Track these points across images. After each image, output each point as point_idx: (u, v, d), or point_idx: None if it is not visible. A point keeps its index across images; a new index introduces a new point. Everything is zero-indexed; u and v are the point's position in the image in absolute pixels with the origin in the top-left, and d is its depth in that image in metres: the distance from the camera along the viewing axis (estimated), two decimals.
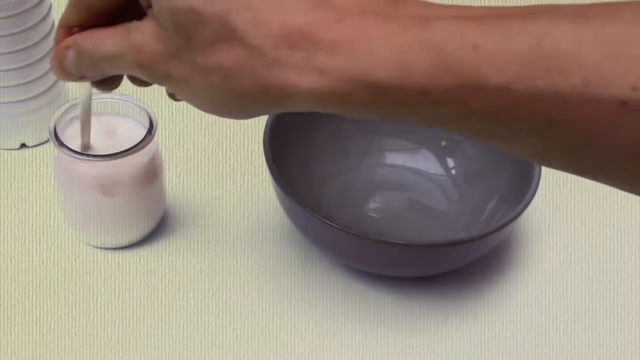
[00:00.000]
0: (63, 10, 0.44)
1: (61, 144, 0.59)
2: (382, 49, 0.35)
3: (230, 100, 0.39)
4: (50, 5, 0.68)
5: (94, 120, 0.59)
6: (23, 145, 0.72)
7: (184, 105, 0.71)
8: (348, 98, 0.36)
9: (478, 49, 0.34)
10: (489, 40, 0.34)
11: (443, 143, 0.70)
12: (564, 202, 0.71)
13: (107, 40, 0.41)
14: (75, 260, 0.65)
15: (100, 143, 0.61)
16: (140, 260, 0.65)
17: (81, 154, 0.59)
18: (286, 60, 0.36)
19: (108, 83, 0.46)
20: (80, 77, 0.44)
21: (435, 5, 0.37)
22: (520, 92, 0.34)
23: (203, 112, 0.41)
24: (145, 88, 0.46)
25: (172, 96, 0.44)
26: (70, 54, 0.43)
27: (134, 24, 0.40)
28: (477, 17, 0.35)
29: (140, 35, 0.39)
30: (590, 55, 0.33)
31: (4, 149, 0.72)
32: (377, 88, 0.35)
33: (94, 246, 0.65)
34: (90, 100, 0.57)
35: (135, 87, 0.46)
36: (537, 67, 0.33)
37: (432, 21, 0.35)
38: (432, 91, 0.35)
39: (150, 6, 0.39)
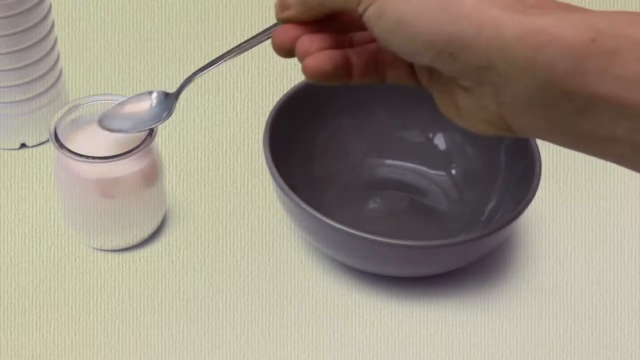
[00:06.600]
0: None
1: (61, 145, 0.59)
2: None
3: None
4: (50, 5, 0.68)
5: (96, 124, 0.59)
6: (23, 145, 0.72)
7: (184, 106, 0.71)
8: None
9: None
10: None
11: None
12: (564, 202, 0.71)
13: None
14: (75, 260, 0.65)
15: (100, 144, 0.61)
16: (140, 260, 0.65)
17: (81, 155, 0.59)
18: None
19: (371, 75, 0.47)
20: (302, 13, 0.45)
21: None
22: None
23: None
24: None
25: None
26: None
27: None
28: None
29: None
30: None
31: (4, 149, 0.72)
32: None
33: (93, 248, 0.65)
34: None
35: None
36: None
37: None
38: None
39: None
